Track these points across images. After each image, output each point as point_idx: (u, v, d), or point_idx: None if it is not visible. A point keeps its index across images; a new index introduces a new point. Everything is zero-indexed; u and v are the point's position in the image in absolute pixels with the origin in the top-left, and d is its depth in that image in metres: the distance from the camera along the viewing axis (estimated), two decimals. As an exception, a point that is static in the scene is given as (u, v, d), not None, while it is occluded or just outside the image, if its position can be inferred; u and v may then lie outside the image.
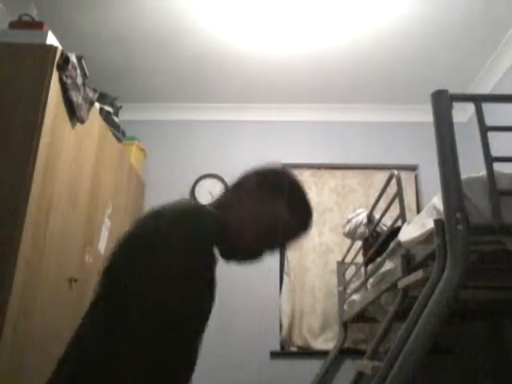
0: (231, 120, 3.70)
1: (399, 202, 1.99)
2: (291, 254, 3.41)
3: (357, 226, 2.72)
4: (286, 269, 3.40)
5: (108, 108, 2.80)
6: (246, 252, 0.98)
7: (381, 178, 3.43)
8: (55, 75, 1.91)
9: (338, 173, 3.60)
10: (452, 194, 1.34)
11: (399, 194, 2.03)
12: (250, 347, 3.11)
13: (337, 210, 3.49)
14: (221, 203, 1.00)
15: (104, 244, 2.54)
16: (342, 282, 3.05)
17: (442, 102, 1.44)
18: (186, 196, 3.52)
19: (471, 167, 1.56)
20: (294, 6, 2.65)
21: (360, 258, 2.75)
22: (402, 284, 1.70)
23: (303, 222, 1.01)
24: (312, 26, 2.82)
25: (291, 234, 1.00)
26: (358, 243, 2.82)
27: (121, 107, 3.03)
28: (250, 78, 3.32)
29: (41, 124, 1.80)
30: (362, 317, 2.74)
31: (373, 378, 1.49)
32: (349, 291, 2.90)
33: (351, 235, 2.79)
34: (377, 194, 2.50)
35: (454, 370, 2.79)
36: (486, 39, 2.90)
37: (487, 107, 1.49)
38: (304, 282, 3.36)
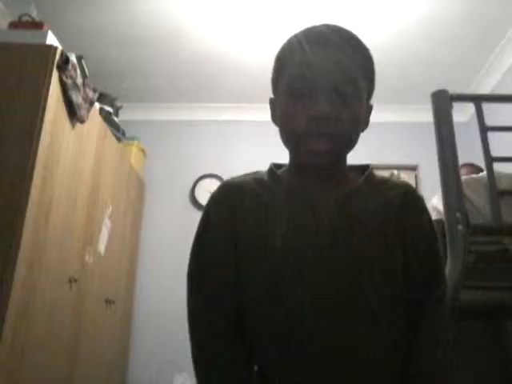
0: (231, 120, 3.70)
1: (399, 201, 1.98)
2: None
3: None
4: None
5: (108, 108, 2.79)
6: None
7: (381, 178, 3.43)
8: (55, 75, 1.91)
9: (338, 173, 3.60)
10: (452, 194, 1.34)
11: (399, 194, 2.02)
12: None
13: (337, 210, 3.49)
14: None
15: (104, 244, 2.54)
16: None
17: (442, 102, 1.44)
18: (186, 196, 3.52)
19: (471, 167, 1.56)
20: (291, 7, 2.65)
21: (360, 258, 2.75)
22: (402, 284, 1.70)
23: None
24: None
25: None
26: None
27: (121, 107, 3.02)
28: (250, 78, 3.32)
29: (41, 124, 1.80)
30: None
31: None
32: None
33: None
34: (377, 194, 2.50)
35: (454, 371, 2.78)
36: (485, 39, 2.90)
37: (487, 107, 1.49)
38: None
